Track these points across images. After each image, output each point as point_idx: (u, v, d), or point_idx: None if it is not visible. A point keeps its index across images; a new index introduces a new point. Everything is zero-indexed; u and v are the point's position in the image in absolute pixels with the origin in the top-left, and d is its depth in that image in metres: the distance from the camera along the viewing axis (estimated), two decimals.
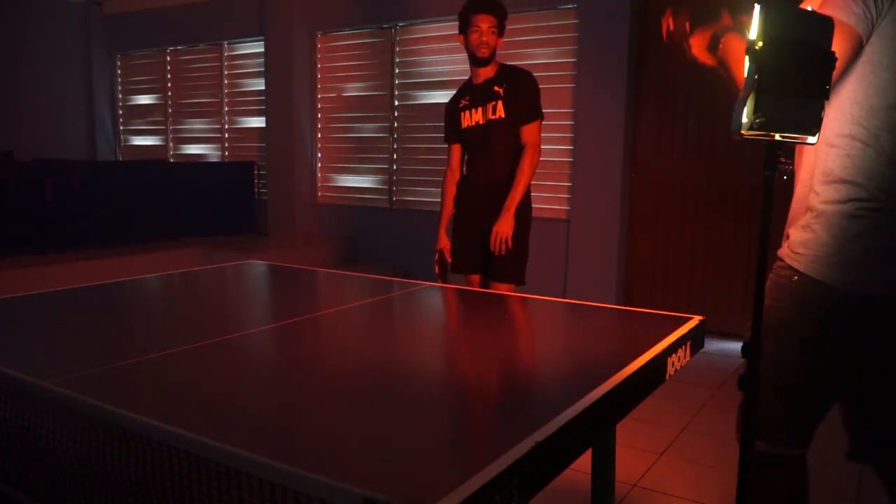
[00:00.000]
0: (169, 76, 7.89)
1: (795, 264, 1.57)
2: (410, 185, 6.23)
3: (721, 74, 1.61)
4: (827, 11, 1.42)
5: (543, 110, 3.23)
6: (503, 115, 3.14)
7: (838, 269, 1.52)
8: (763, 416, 1.54)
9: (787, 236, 1.63)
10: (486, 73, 3.21)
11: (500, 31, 3.17)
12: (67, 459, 1.12)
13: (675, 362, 1.60)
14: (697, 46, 1.67)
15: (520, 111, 3.14)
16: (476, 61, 3.19)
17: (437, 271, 3.35)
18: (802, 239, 1.57)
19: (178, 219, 6.32)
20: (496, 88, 3.17)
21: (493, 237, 3.07)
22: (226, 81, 7.39)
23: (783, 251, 1.62)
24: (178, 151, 7.94)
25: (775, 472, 1.64)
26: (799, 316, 1.57)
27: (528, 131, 3.15)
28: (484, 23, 3.10)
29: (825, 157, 1.55)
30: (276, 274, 2.81)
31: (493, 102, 3.16)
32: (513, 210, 3.09)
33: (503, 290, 3.10)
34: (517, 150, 3.16)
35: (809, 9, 1.39)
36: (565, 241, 5.27)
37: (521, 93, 3.16)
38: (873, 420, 1.71)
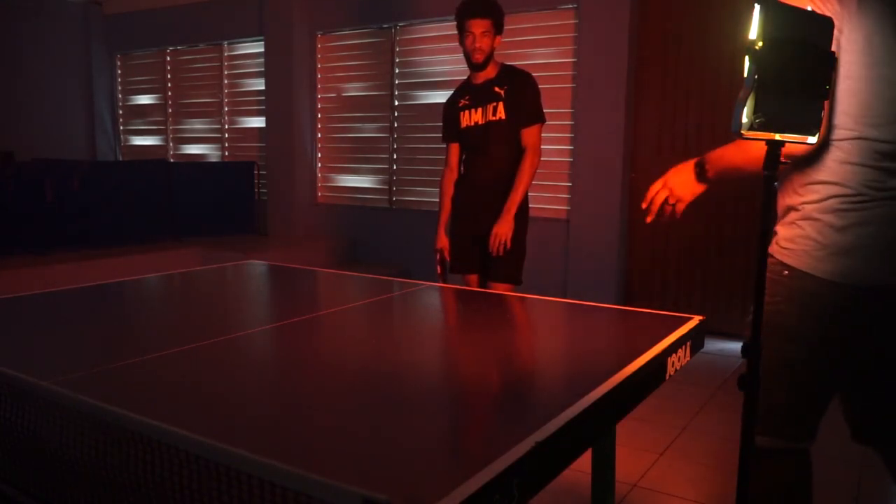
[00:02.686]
0: (169, 76, 7.89)
1: (785, 259, 1.61)
2: (410, 185, 6.23)
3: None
4: None
5: (544, 111, 3.22)
6: (503, 117, 3.14)
7: (828, 262, 1.55)
8: (767, 410, 1.56)
9: (776, 233, 1.67)
10: (487, 73, 3.20)
11: (497, 30, 3.15)
12: (68, 459, 1.12)
13: (675, 362, 1.60)
14: (689, 192, 1.85)
15: (521, 114, 3.14)
16: (471, 66, 3.19)
17: (438, 271, 3.34)
18: (790, 234, 1.61)
19: (178, 219, 6.32)
20: (497, 89, 3.16)
21: (492, 239, 3.07)
22: (226, 81, 7.38)
23: (772, 248, 1.66)
24: (178, 151, 7.93)
25: (778, 466, 1.65)
26: (794, 309, 1.59)
27: (528, 134, 3.15)
28: (476, 27, 3.08)
29: (803, 162, 1.58)
30: (277, 274, 2.81)
31: (494, 104, 3.15)
32: (513, 212, 3.09)
33: (501, 289, 3.10)
34: (516, 151, 3.16)
35: (809, 8, 1.39)
36: (565, 241, 5.27)
37: (523, 95, 3.15)
38: (873, 405, 1.72)
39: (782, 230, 1.65)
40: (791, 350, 1.59)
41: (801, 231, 1.59)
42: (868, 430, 1.74)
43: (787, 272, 1.60)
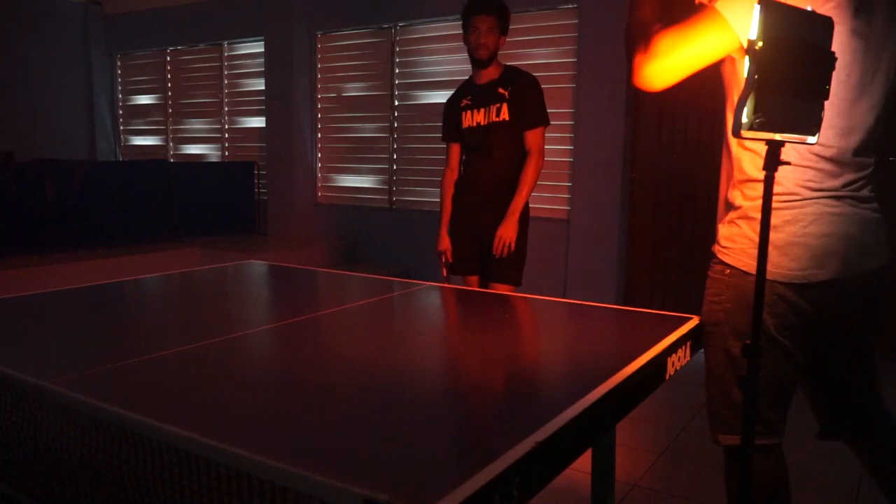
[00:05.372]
0: (169, 76, 7.89)
1: (725, 258, 1.64)
2: (410, 185, 6.23)
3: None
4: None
5: (548, 114, 3.21)
6: (507, 118, 3.13)
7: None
8: (728, 408, 1.61)
9: (717, 231, 1.70)
10: (490, 74, 3.19)
11: (502, 30, 3.15)
12: (67, 459, 1.12)
13: (674, 362, 1.60)
14: None
15: (525, 115, 3.13)
16: (475, 63, 3.18)
17: (444, 273, 3.33)
18: (729, 234, 1.64)
19: (178, 219, 6.32)
20: (501, 90, 3.15)
21: (496, 241, 3.06)
22: (226, 81, 7.38)
23: (715, 247, 1.69)
24: (178, 151, 7.94)
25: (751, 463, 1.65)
26: (737, 307, 1.61)
27: (532, 136, 3.14)
28: (482, 24, 3.09)
29: (739, 160, 1.61)
30: (277, 274, 2.81)
31: (498, 104, 3.14)
32: (517, 215, 3.08)
33: (501, 290, 3.09)
34: (517, 153, 3.15)
35: (809, 9, 1.39)
36: (565, 241, 5.26)
37: (527, 97, 3.13)
38: (834, 399, 1.74)
39: (723, 229, 1.68)
40: (738, 348, 1.60)
41: (738, 230, 1.62)
42: (828, 426, 1.76)
43: (728, 271, 1.63)
